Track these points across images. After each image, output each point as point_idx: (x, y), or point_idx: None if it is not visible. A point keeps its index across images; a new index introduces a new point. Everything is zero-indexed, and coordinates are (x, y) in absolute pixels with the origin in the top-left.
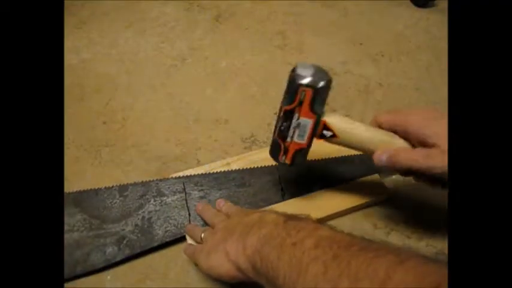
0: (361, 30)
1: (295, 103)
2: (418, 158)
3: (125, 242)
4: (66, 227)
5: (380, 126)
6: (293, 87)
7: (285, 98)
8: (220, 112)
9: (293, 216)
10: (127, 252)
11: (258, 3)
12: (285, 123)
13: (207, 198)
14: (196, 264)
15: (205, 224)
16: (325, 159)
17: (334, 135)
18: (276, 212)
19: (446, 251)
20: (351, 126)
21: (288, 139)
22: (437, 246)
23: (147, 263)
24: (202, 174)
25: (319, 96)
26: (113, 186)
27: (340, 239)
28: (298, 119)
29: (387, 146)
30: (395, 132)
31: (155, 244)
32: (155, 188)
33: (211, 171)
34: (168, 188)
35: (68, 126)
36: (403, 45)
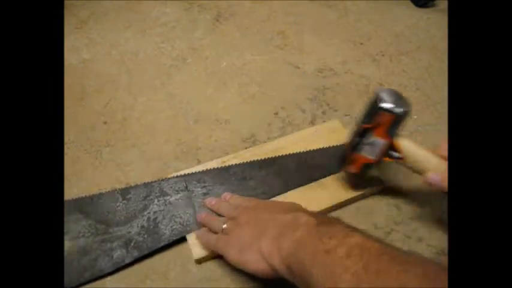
0: (361, 30)
1: (373, 124)
2: None
3: (132, 244)
4: (71, 234)
5: (440, 155)
6: (374, 109)
7: (364, 116)
8: (220, 112)
9: (324, 219)
10: (135, 254)
11: (258, 3)
12: (358, 138)
13: (210, 194)
14: (206, 260)
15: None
16: (323, 148)
17: (400, 158)
18: (308, 213)
19: (446, 251)
20: (417, 152)
21: (357, 152)
22: (437, 246)
23: (148, 263)
24: (203, 171)
25: (396, 122)
26: (115, 190)
27: (370, 246)
28: (372, 137)
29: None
30: None
31: (163, 244)
32: (158, 188)
33: (212, 168)
34: (171, 187)
35: (68, 126)
36: (403, 45)
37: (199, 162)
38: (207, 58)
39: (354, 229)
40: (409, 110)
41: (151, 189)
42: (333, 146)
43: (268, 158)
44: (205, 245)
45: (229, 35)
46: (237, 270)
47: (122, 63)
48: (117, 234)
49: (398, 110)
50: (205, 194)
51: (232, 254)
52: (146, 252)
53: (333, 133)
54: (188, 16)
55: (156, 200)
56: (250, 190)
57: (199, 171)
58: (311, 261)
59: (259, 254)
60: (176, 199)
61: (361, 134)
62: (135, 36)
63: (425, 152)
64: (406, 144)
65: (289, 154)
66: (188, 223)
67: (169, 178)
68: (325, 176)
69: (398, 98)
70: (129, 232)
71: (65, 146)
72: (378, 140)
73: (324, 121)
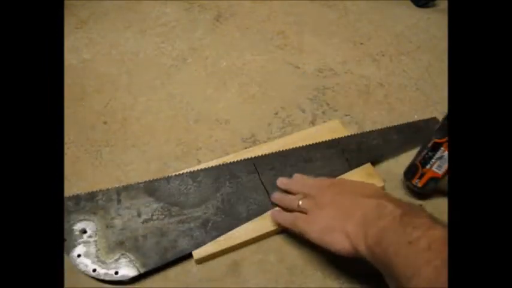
0: (361, 30)
1: (445, 139)
2: None
3: (210, 224)
4: (144, 217)
5: None
6: (446, 124)
7: (436, 131)
8: (220, 112)
9: (408, 209)
10: (214, 234)
11: (258, 3)
12: (430, 153)
13: (279, 175)
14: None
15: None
16: (381, 129)
17: None
18: (392, 202)
19: None
20: None
21: (427, 166)
22: None
23: None
24: (270, 153)
25: None
26: (183, 173)
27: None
28: (443, 152)
29: None
30: None
31: (242, 224)
32: (227, 171)
33: (278, 150)
34: (240, 169)
35: (68, 126)
36: (403, 45)
37: (199, 162)
38: (207, 58)
39: (437, 221)
40: None
41: (221, 172)
42: (390, 127)
43: (330, 139)
44: (281, 222)
45: (229, 35)
46: (236, 271)
47: (122, 63)
48: (193, 215)
49: None
50: (274, 175)
51: (315, 234)
52: (226, 232)
53: (333, 133)
54: (188, 16)
55: (227, 182)
56: (317, 170)
57: (266, 154)
58: (395, 251)
59: (344, 235)
60: (247, 180)
61: (432, 148)
62: (135, 36)
63: None
64: None
65: (350, 135)
66: (263, 203)
67: (237, 161)
68: (382, 156)
69: None
70: (205, 213)
71: (65, 146)
72: (447, 155)
73: (324, 121)
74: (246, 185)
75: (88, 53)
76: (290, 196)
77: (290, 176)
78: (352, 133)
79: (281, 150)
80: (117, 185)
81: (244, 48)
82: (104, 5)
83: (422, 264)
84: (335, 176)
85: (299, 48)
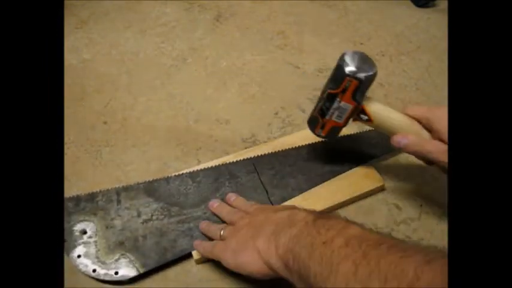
0: (361, 30)
1: (340, 89)
2: (432, 150)
3: None
4: (144, 217)
5: (409, 115)
6: (339, 74)
7: (330, 81)
8: (220, 112)
9: (322, 214)
10: None
11: (258, 3)
12: (327, 103)
13: (278, 175)
14: (206, 260)
15: (222, 221)
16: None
17: (369, 120)
18: (305, 210)
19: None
20: (385, 114)
21: (327, 117)
22: (438, 246)
23: None
24: (270, 153)
25: (362, 86)
26: (183, 174)
27: (368, 237)
28: (339, 102)
29: (411, 133)
30: (420, 122)
31: None
32: (226, 171)
33: (278, 150)
34: (240, 170)
35: (68, 126)
36: (403, 45)
37: (199, 162)
38: (207, 58)
39: (352, 222)
40: (373, 73)
41: (220, 172)
42: None
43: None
44: (202, 252)
45: (229, 35)
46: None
47: (122, 63)
48: (192, 215)
49: (362, 74)
50: (274, 175)
51: (228, 258)
52: None
53: None
54: (188, 16)
55: (227, 182)
56: (319, 169)
57: (266, 154)
58: (309, 254)
59: (256, 254)
60: (247, 180)
61: (327, 99)
62: (135, 36)
63: (395, 114)
64: (374, 106)
65: (350, 135)
66: (263, 203)
67: (237, 161)
68: (381, 156)
69: (363, 62)
70: (205, 213)
71: (65, 146)
72: (345, 105)
73: None
74: (246, 184)
75: (88, 53)
76: (214, 226)
77: (290, 175)
78: (352, 133)
79: (281, 150)
80: (117, 185)
81: (244, 48)
82: (104, 5)
83: (340, 261)
84: (338, 173)
85: (299, 48)
